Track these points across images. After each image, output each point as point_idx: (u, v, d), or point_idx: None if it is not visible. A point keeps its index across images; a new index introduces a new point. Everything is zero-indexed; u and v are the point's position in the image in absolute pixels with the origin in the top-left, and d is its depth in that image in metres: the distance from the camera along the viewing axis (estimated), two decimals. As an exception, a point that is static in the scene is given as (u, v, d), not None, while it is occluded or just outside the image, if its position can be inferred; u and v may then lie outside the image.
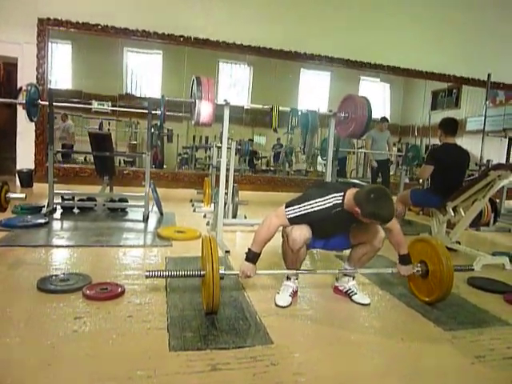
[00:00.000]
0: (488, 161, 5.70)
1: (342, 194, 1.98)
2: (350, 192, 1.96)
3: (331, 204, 1.99)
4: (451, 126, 3.65)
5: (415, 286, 2.41)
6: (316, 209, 1.99)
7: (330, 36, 6.79)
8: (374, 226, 2.12)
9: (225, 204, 3.67)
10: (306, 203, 2.01)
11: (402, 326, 2.03)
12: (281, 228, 2.15)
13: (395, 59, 7.16)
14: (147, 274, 1.98)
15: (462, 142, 7.12)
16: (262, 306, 2.12)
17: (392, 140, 6.60)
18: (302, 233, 2.04)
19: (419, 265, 2.30)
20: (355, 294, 2.30)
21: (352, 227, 2.18)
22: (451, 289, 2.20)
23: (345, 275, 2.35)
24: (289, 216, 2.03)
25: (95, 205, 4.44)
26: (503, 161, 6.04)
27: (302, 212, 2.01)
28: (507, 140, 6.15)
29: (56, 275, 2.33)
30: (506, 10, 7.51)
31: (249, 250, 2.07)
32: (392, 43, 7.06)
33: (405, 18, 7.04)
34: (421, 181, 5.58)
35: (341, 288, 2.37)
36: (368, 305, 2.25)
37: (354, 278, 2.37)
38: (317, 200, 2.01)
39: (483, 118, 6.35)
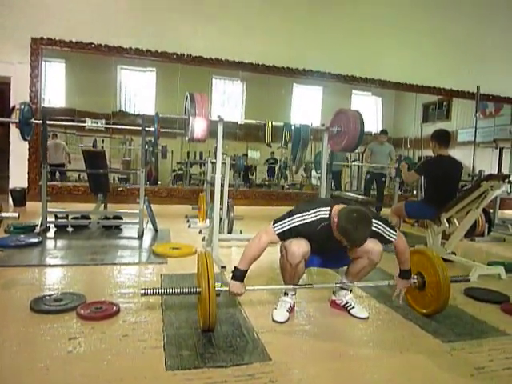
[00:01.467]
0: (480, 171, 5.76)
1: (329, 208, 1.99)
2: (337, 207, 1.97)
3: (317, 218, 2.00)
4: (444, 138, 3.69)
5: (412, 298, 2.41)
6: (302, 222, 2.00)
7: (322, 52, 6.88)
8: (371, 241, 2.09)
9: (220, 219, 3.66)
10: (292, 217, 2.03)
11: (401, 338, 2.02)
12: (279, 243, 2.15)
13: (386, 73, 7.26)
14: (142, 291, 1.96)
15: (454, 153, 7.17)
16: (259, 322, 2.10)
17: (394, 154, 6.56)
18: (300, 247, 2.03)
19: (416, 276, 2.30)
20: (353, 307, 2.29)
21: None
22: (448, 300, 2.19)
23: (342, 288, 2.34)
24: (277, 232, 2.03)
25: (89, 223, 4.41)
26: (495, 171, 6.12)
27: (290, 226, 2.01)
28: (498, 150, 6.23)
29: (49, 295, 2.30)
30: (493, 23, 7.69)
31: (235, 268, 2.04)
32: (383, 58, 7.18)
33: (395, 33, 7.18)
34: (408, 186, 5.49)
35: (338, 302, 2.35)
36: (366, 319, 2.23)
37: (351, 291, 2.36)
38: (303, 214, 2.02)
39: (474, 129, 6.43)
